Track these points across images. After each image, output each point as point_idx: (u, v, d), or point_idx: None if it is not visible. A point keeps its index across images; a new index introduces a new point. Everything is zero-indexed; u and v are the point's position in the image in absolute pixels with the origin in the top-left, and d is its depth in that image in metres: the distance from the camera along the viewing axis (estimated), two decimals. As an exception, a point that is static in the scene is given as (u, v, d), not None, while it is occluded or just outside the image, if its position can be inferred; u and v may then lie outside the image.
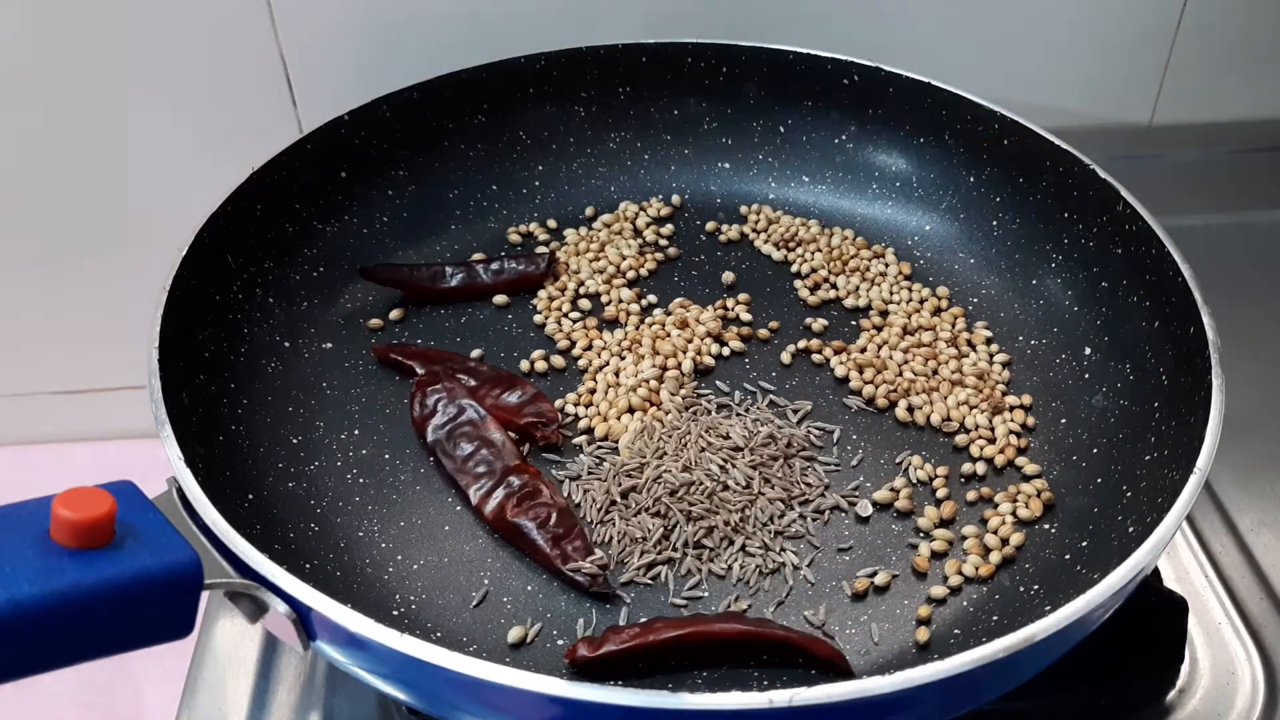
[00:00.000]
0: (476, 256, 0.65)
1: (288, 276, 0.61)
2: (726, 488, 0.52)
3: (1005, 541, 0.51)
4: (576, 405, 0.57)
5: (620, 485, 0.52)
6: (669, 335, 0.60)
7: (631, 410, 0.56)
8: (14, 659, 0.35)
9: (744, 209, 0.68)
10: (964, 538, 0.51)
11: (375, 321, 0.61)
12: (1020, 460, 0.54)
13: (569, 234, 0.67)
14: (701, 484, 0.52)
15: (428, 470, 0.54)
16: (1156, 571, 0.55)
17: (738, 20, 0.71)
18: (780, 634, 0.46)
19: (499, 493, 0.51)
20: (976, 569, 0.50)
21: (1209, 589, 0.56)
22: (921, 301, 0.63)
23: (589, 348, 0.60)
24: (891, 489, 0.53)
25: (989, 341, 0.60)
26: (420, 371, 0.57)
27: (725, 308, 0.63)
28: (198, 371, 0.53)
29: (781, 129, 0.69)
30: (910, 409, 0.57)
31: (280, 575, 0.40)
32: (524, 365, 0.59)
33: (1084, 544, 0.50)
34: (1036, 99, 0.75)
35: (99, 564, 0.36)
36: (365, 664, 0.42)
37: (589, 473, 0.53)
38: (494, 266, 0.63)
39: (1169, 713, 0.52)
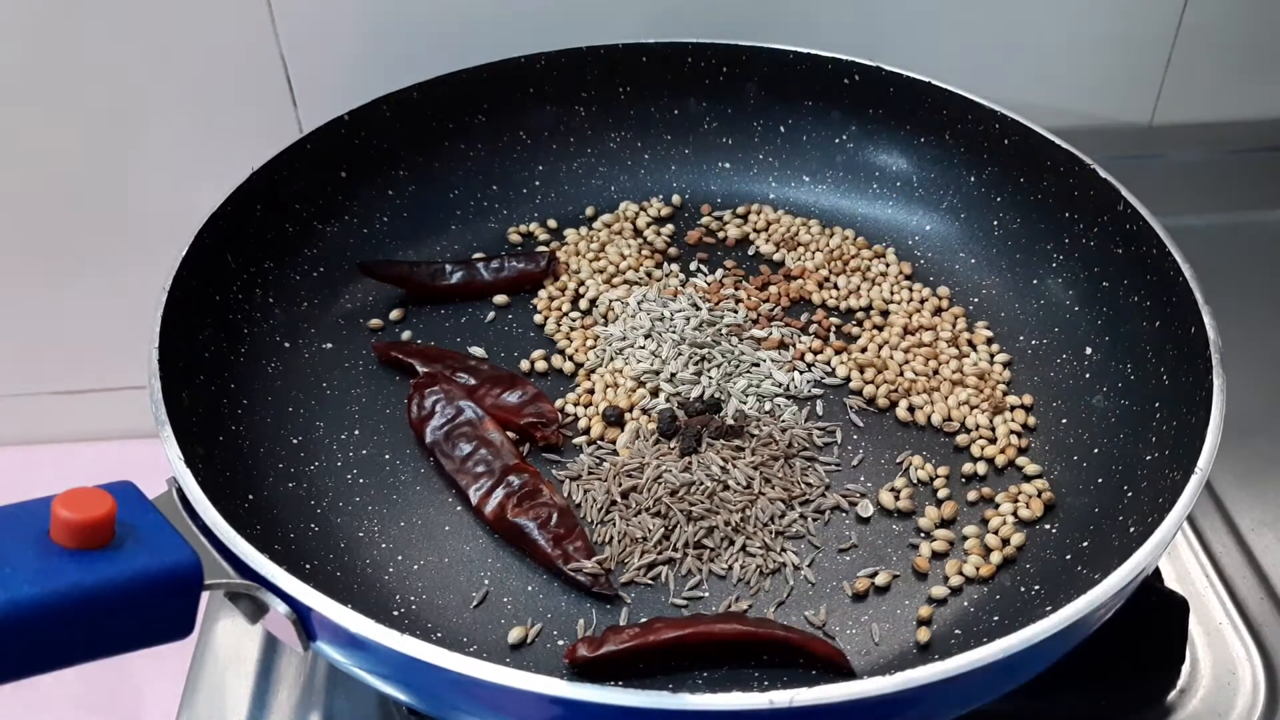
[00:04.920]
0: (477, 256, 0.64)
1: (288, 276, 0.61)
2: (727, 488, 0.52)
3: (1006, 542, 0.51)
4: (576, 405, 0.57)
5: (620, 485, 0.52)
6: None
7: (630, 409, 0.56)
8: (14, 659, 0.35)
9: (744, 209, 0.68)
10: (965, 538, 0.51)
11: (375, 321, 0.61)
12: (1021, 460, 0.54)
13: (569, 234, 0.67)
14: (702, 484, 0.52)
15: (428, 470, 0.54)
16: (1157, 571, 0.55)
17: (738, 20, 0.71)
18: (780, 634, 0.46)
19: (499, 493, 0.51)
20: (977, 569, 0.50)
21: (1209, 589, 0.56)
22: (922, 301, 0.63)
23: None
24: (892, 489, 0.53)
25: (989, 341, 0.60)
26: (421, 370, 0.57)
27: (725, 308, 0.63)
28: (198, 371, 0.53)
29: (781, 129, 0.69)
30: (911, 409, 0.57)
31: (280, 576, 0.40)
32: (524, 365, 0.59)
33: (1085, 544, 0.49)
34: (1036, 99, 0.75)
35: (99, 565, 0.36)
36: (365, 664, 0.42)
37: (589, 473, 0.53)
38: (494, 265, 0.63)
39: (1169, 713, 0.51)
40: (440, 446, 0.53)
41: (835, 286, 0.64)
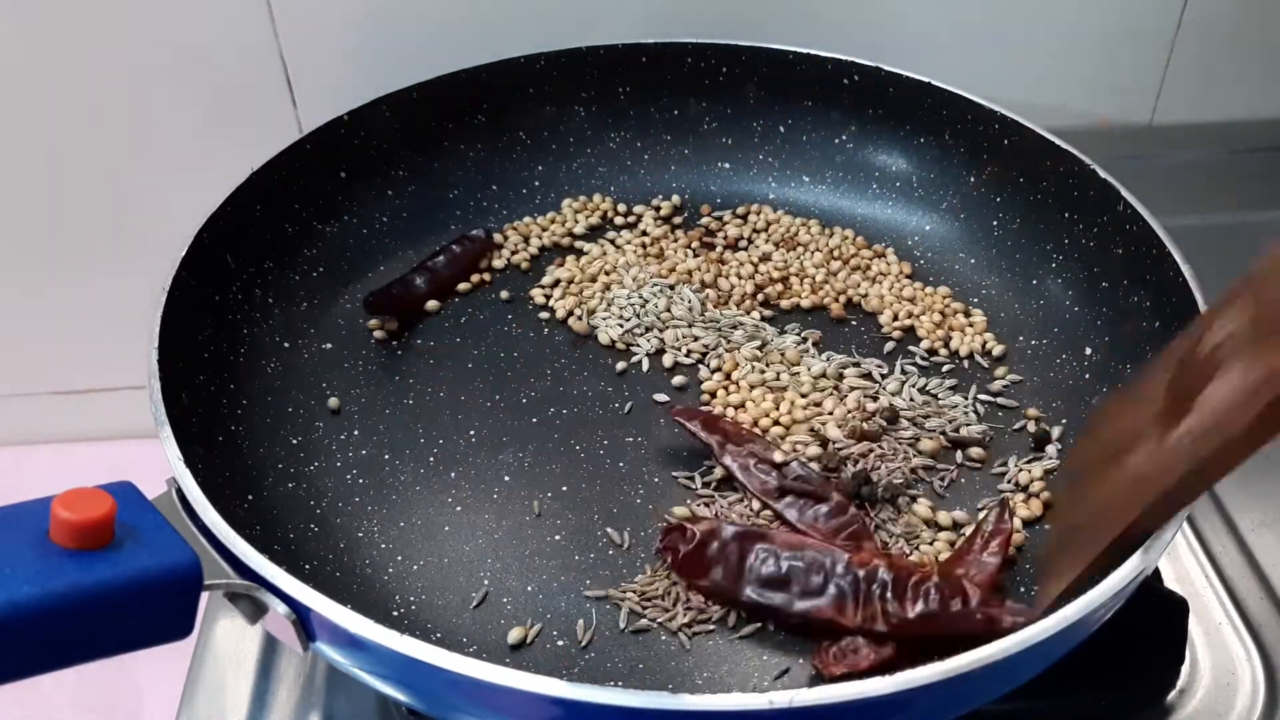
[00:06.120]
0: (424, 258, 0.64)
1: (288, 277, 0.61)
2: None
3: (1005, 542, 0.51)
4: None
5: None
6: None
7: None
8: (14, 660, 0.35)
9: (743, 209, 0.68)
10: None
11: (374, 322, 0.61)
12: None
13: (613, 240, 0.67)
14: None
15: (427, 470, 0.54)
16: (1157, 572, 0.55)
17: (738, 20, 0.71)
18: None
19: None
20: (977, 569, 0.50)
21: (1209, 589, 0.56)
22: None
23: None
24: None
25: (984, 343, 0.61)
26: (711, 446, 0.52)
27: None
28: (198, 371, 0.53)
29: (781, 129, 0.69)
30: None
31: (280, 576, 0.40)
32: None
33: (1084, 544, 0.49)
34: (1036, 99, 0.75)
35: (98, 565, 0.36)
36: (365, 665, 0.42)
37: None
38: (440, 259, 0.63)
39: (1169, 713, 0.51)
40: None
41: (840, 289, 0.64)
